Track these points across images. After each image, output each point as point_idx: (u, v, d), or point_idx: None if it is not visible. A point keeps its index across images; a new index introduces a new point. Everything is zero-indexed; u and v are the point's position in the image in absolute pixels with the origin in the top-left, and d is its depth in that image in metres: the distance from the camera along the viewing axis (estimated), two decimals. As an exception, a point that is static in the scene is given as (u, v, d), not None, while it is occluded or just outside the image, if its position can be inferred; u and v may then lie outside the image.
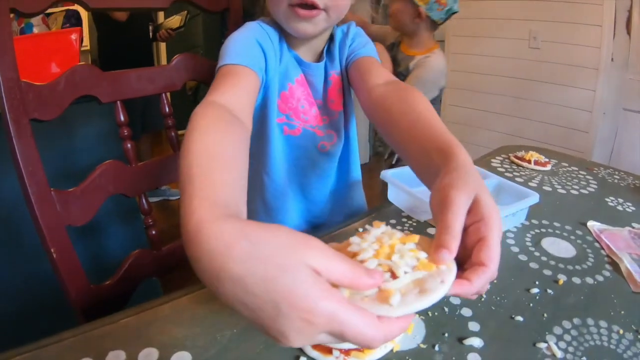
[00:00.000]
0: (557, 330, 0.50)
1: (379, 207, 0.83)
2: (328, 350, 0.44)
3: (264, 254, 0.31)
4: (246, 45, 0.71)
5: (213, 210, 0.35)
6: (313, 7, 0.68)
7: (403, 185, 0.75)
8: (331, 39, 0.84)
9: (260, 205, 0.87)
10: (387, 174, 0.80)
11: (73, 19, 2.09)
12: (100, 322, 0.47)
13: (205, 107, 0.52)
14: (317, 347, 0.44)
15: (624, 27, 2.16)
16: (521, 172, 1.01)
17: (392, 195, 0.82)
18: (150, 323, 0.47)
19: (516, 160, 1.06)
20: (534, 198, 0.72)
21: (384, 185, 0.83)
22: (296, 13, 0.68)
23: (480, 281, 0.39)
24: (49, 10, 2.25)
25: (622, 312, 0.54)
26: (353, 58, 0.82)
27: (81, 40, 1.70)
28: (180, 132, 0.80)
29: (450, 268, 0.38)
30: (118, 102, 0.82)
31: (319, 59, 0.83)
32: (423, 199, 0.70)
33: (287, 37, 0.79)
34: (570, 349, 0.47)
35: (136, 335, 0.45)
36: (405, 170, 0.83)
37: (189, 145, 0.44)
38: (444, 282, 0.36)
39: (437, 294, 0.36)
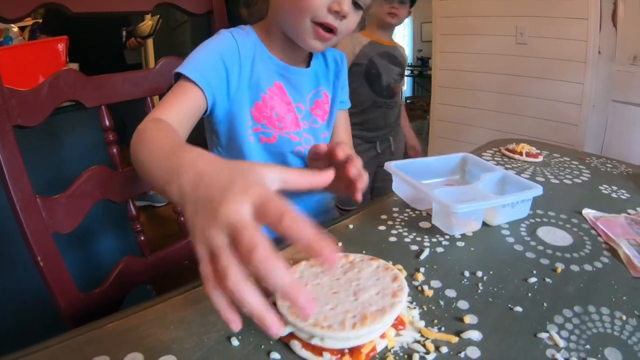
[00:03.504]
0: (558, 319, 0.49)
1: (381, 199, 0.83)
2: (319, 353, 0.43)
3: (238, 162, 0.39)
4: (208, 62, 0.74)
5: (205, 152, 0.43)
6: (331, 30, 0.73)
7: (405, 176, 0.75)
8: (324, 56, 0.90)
9: None
10: (390, 165, 0.80)
11: (39, 32, 2.06)
12: (85, 328, 0.46)
13: (154, 121, 0.63)
14: (307, 347, 0.43)
15: (610, 19, 2.17)
16: (513, 165, 1.00)
17: (395, 185, 0.83)
18: (136, 327, 0.46)
19: (507, 153, 1.06)
20: (537, 190, 0.71)
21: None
22: (317, 32, 0.73)
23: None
24: (21, 24, 2.23)
25: (624, 298, 0.53)
26: (341, 107, 0.94)
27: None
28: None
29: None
30: (103, 106, 0.81)
31: (303, 65, 0.86)
32: (424, 190, 0.71)
33: (273, 44, 0.81)
34: (573, 337, 0.46)
35: (121, 339, 0.44)
36: (408, 162, 0.84)
37: (155, 138, 0.54)
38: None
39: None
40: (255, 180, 0.37)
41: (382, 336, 0.45)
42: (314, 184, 0.42)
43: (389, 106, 1.87)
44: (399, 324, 0.47)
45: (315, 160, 0.69)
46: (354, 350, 0.43)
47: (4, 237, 1.20)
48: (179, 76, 0.73)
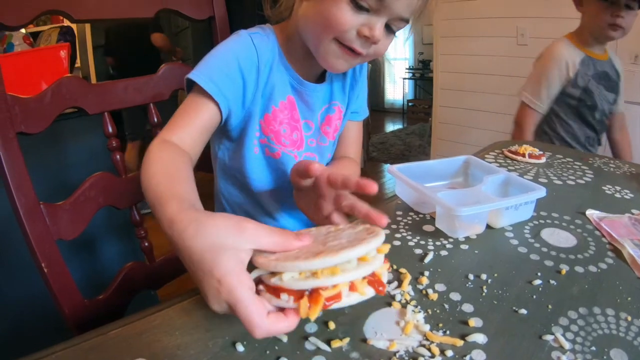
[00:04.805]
0: (563, 321, 0.49)
1: (385, 202, 0.82)
2: (277, 294, 0.41)
3: (205, 234, 0.42)
4: (224, 70, 0.69)
5: (180, 206, 0.47)
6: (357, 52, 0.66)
7: (408, 180, 0.75)
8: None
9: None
10: (393, 169, 0.80)
11: (68, 36, 2.05)
12: (89, 334, 0.46)
13: (161, 144, 0.61)
14: (268, 289, 0.42)
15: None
16: (516, 166, 1.00)
17: (399, 189, 0.82)
18: (141, 333, 0.46)
19: (510, 155, 1.06)
20: (540, 191, 0.70)
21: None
22: (341, 50, 0.66)
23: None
24: (40, 28, 2.24)
25: (629, 299, 0.53)
26: (352, 117, 0.89)
27: (71, 57, 1.68)
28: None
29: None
30: (105, 113, 0.81)
31: (317, 80, 0.81)
32: (427, 193, 0.70)
33: (292, 52, 0.76)
34: (579, 339, 0.46)
35: (126, 346, 0.44)
36: (411, 166, 0.83)
37: (152, 172, 0.55)
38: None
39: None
40: (225, 274, 0.40)
41: (352, 288, 0.42)
42: (287, 249, 0.44)
43: (599, 143, 1.51)
44: (376, 282, 0.44)
45: (301, 177, 0.61)
46: (313, 293, 0.41)
47: (7, 243, 1.20)
48: (192, 82, 0.67)
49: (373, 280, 0.44)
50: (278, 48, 0.75)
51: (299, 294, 0.41)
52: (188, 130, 0.65)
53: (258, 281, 0.43)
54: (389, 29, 0.66)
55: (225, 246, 0.41)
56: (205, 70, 0.67)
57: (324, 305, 0.40)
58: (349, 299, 0.42)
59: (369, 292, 0.43)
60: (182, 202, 0.48)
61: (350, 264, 0.42)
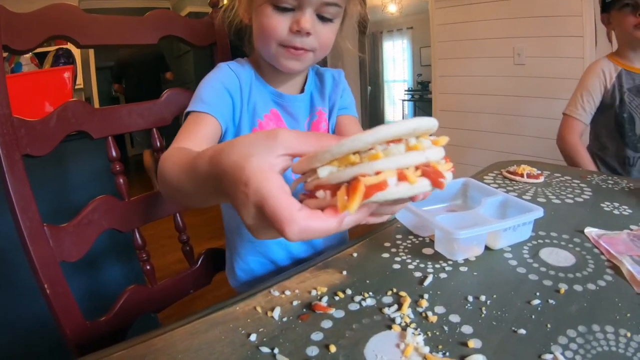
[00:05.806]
0: (562, 340, 0.49)
1: (384, 225, 0.83)
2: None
3: (235, 148, 0.39)
4: (213, 93, 0.76)
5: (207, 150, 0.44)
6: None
7: (407, 203, 0.76)
8: (320, 77, 0.89)
9: (238, 241, 0.89)
10: None
11: (63, 58, 2.10)
12: (93, 356, 0.46)
13: (171, 150, 0.62)
14: (309, 196, 0.37)
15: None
16: (514, 187, 1.00)
17: (398, 213, 0.82)
18: (144, 356, 0.46)
19: (509, 175, 1.06)
20: (538, 212, 0.71)
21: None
22: (288, 52, 0.73)
23: None
24: (41, 50, 2.28)
25: (628, 315, 0.53)
26: (343, 112, 0.92)
27: (74, 79, 1.71)
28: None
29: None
30: (109, 137, 0.83)
31: (298, 92, 0.87)
32: (425, 217, 0.71)
33: (266, 73, 0.83)
34: (578, 357, 0.46)
35: (129, 369, 0.44)
36: None
37: (169, 164, 0.55)
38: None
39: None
40: (251, 174, 0.36)
41: (401, 176, 0.35)
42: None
43: None
44: (433, 173, 0.36)
45: None
46: (352, 182, 0.35)
47: (10, 263, 1.20)
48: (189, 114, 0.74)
49: (428, 170, 0.36)
50: (254, 72, 0.83)
51: (337, 189, 0.35)
52: (194, 139, 0.69)
53: (302, 199, 0.39)
54: (323, 18, 0.72)
55: (255, 153, 0.37)
56: (197, 101, 0.75)
57: (366, 195, 0.34)
58: (397, 189, 0.34)
59: (422, 184, 0.36)
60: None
61: (398, 150, 0.36)
